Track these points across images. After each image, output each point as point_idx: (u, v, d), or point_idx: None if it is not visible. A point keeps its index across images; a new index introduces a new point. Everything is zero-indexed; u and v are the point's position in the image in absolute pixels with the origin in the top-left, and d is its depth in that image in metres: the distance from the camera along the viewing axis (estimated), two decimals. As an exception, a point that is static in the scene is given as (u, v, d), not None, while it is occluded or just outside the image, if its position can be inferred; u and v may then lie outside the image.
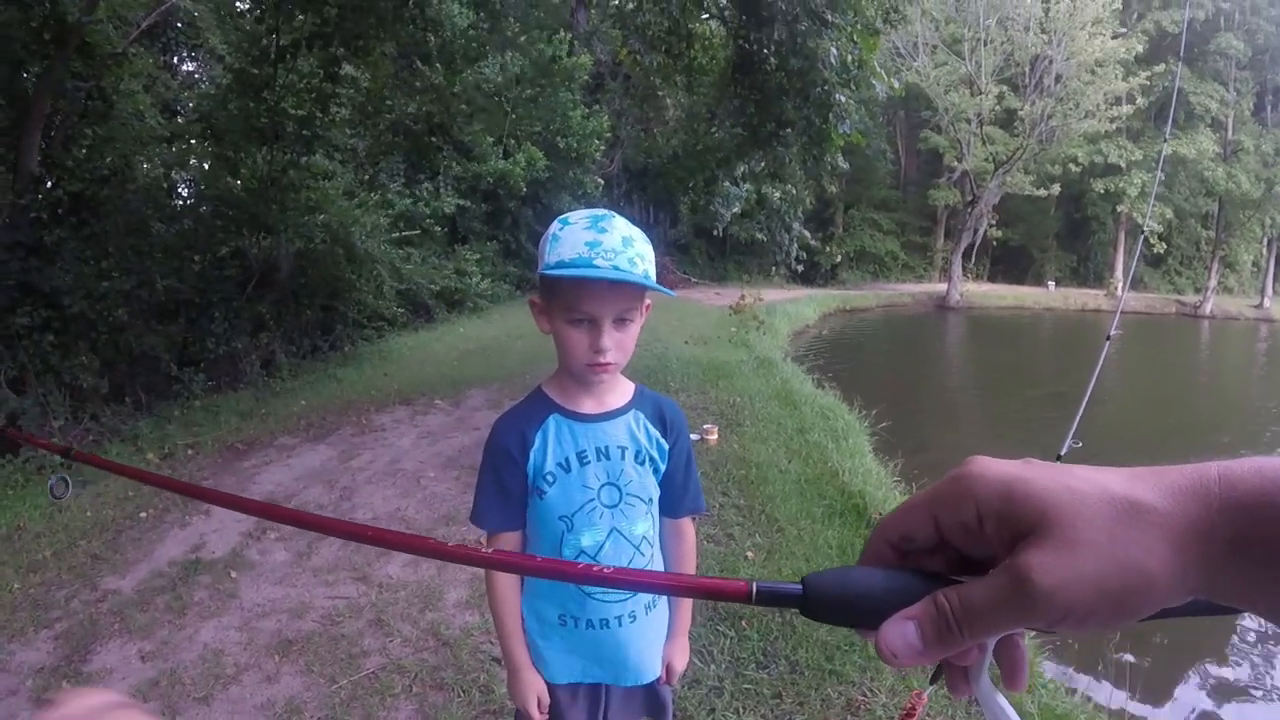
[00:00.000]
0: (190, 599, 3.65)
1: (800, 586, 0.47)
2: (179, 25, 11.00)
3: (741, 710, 2.74)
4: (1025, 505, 0.40)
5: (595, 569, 0.49)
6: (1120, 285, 31.23)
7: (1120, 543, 0.38)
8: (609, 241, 1.32)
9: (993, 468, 0.43)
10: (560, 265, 1.33)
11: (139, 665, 3.11)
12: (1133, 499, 0.39)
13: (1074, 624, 0.39)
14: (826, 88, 6.77)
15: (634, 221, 1.43)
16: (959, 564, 0.47)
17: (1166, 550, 0.37)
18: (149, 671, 3.06)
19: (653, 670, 1.63)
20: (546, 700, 1.57)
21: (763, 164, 7.50)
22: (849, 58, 6.75)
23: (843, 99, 6.88)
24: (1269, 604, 0.37)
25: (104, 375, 7.04)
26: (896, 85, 9.39)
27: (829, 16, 6.48)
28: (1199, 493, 0.38)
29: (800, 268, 28.36)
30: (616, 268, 1.31)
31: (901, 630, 0.44)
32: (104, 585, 3.82)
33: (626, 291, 1.35)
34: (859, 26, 6.94)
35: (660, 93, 10.00)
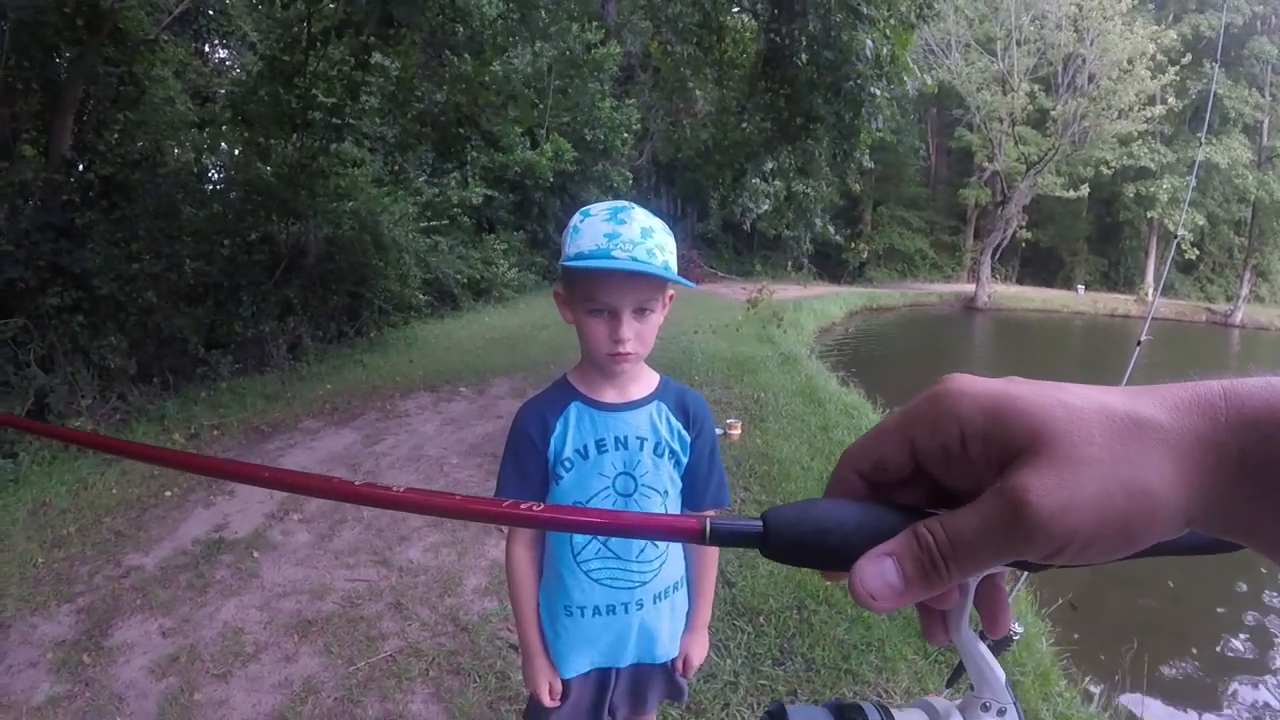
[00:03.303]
0: (212, 577, 3.69)
1: (760, 523, 0.41)
2: (211, 12, 11.05)
3: (756, 706, 2.73)
4: (1016, 423, 0.36)
5: (525, 507, 0.43)
6: (1151, 290, 30.74)
7: (1123, 460, 0.34)
8: (627, 233, 1.33)
9: (976, 384, 0.38)
10: (580, 257, 1.35)
11: (159, 641, 3.15)
12: (1134, 414, 0.35)
13: (1072, 554, 0.35)
14: (860, 81, 6.71)
15: (661, 215, 1.44)
16: (935, 498, 0.42)
17: (1172, 468, 0.34)
18: (169, 647, 3.09)
19: (664, 652, 1.63)
20: (559, 687, 1.59)
21: (790, 160, 7.42)
22: (883, 50, 6.68)
23: (876, 93, 6.81)
24: (1271, 536, 0.34)
25: (132, 356, 7.12)
26: (930, 81, 9.28)
27: (864, 9, 6.41)
28: (1204, 408, 0.34)
29: (807, 264, 28.31)
30: (634, 259, 1.32)
31: (879, 568, 0.38)
32: (127, 562, 3.87)
33: (645, 282, 1.37)
34: (892, 21, 6.87)
35: (690, 85, 9.91)
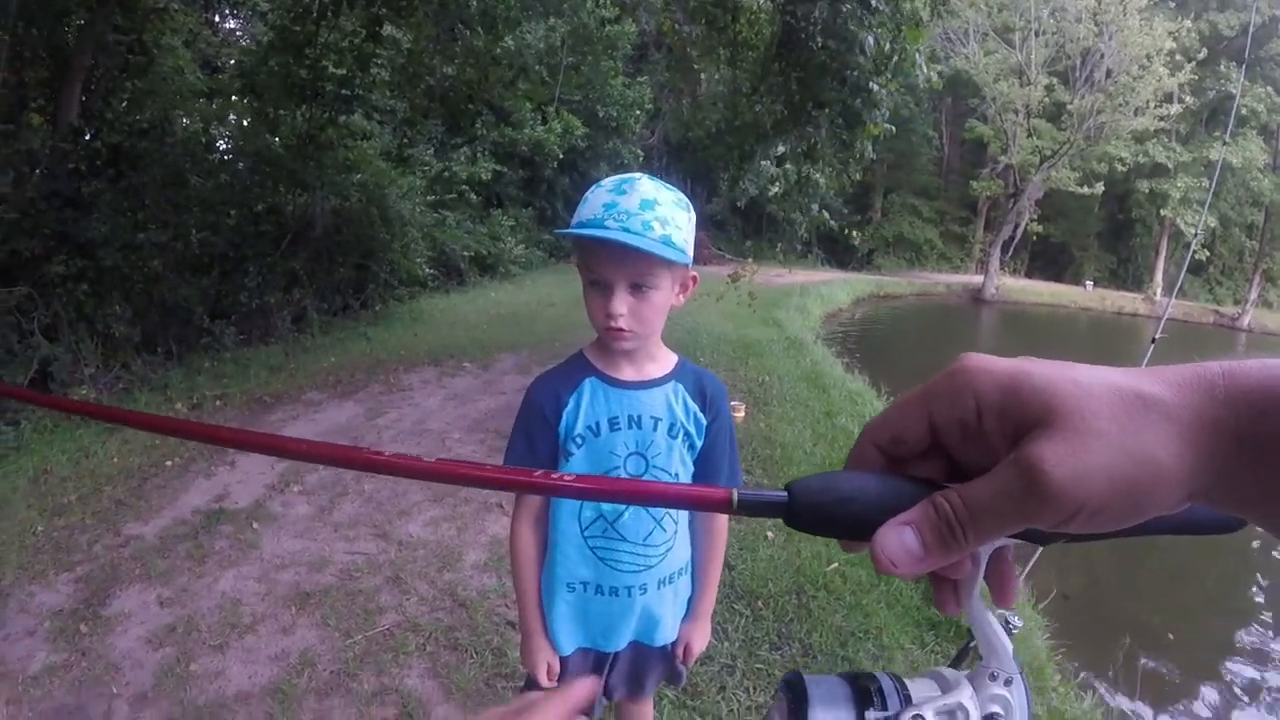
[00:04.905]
0: (211, 548, 3.69)
1: (785, 494, 0.43)
2: (222, -19, 11.02)
3: (752, 689, 2.73)
4: (1030, 397, 0.38)
5: (555, 476, 0.45)
6: (1161, 290, 30.56)
7: (1130, 433, 0.36)
8: (626, 203, 1.29)
9: (992, 362, 0.41)
10: (578, 225, 1.32)
11: (157, 611, 3.14)
12: (1140, 391, 0.37)
13: (1083, 520, 0.37)
14: (859, 74, 6.64)
15: (679, 192, 1.39)
16: (950, 473, 0.44)
17: (1175, 441, 0.36)
18: (166, 617, 3.09)
19: (664, 637, 1.61)
20: (557, 668, 1.57)
21: (797, 144, 7.34)
22: (886, 46, 6.60)
23: (875, 87, 6.73)
24: (1268, 509, 0.36)
25: (136, 325, 7.11)
26: (936, 79, 9.22)
27: (873, 2, 6.33)
28: (1204, 386, 0.36)
29: (816, 249, 28.20)
30: (627, 229, 1.27)
31: (899, 536, 0.41)
32: (126, 531, 3.87)
33: (639, 256, 1.30)
34: (903, 16, 6.77)
35: (696, 67, 9.82)
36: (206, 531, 3.85)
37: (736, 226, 27.25)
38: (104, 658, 2.83)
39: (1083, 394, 0.37)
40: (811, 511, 0.42)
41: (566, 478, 0.45)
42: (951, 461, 0.44)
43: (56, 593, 3.29)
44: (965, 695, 0.47)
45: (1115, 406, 0.37)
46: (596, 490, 0.51)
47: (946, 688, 0.48)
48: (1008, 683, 0.48)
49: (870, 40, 6.47)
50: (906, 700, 0.47)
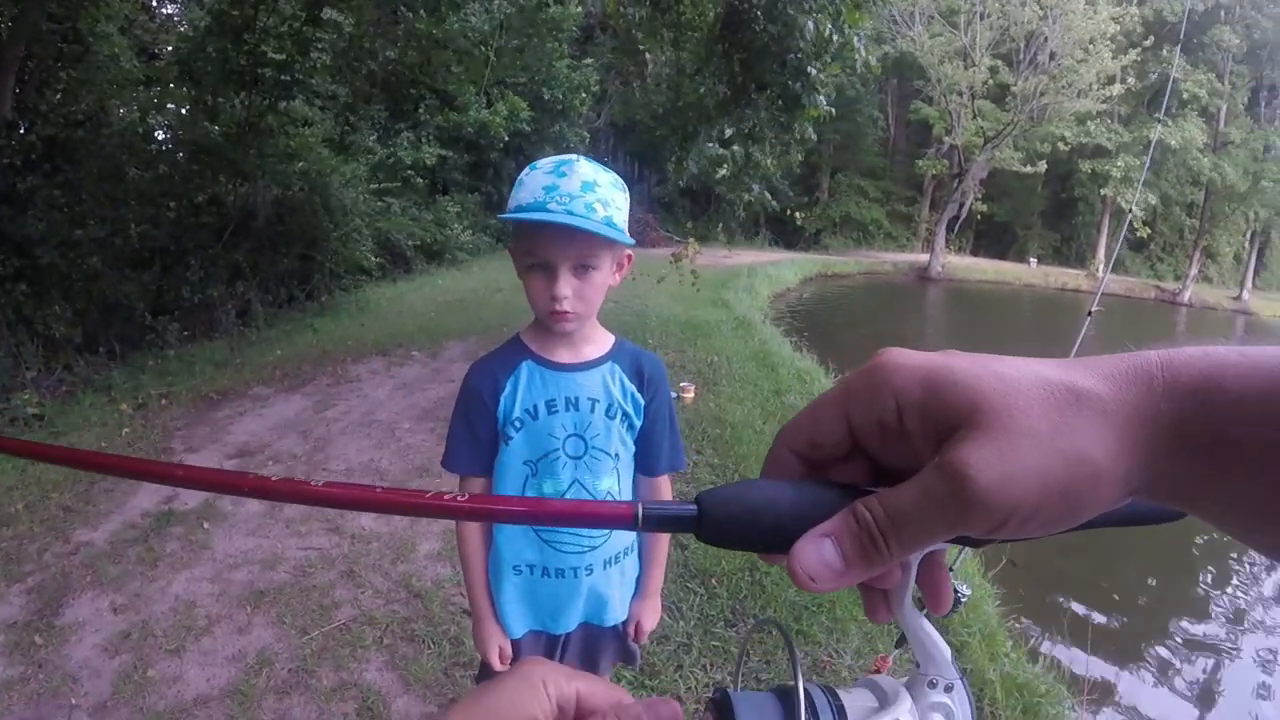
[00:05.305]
0: (163, 550, 3.64)
1: (695, 507, 0.40)
2: (157, -36, 10.70)
3: (709, 667, 2.78)
4: (952, 395, 0.35)
5: (449, 497, 0.41)
6: (1102, 265, 31.30)
7: (1062, 431, 0.33)
8: (567, 185, 1.30)
9: (912, 357, 0.38)
10: (518, 209, 1.32)
11: (110, 618, 3.10)
12: (1071, 384, 0.34)
13: (1015, 526, 0.34)
14: (799, 57, 6.71)
15: (614, 174, 1.40)
16: (873, 476, 0.41)
17: (1111, 438, 0.33)
18: (120, 624, 3.05)
19: (613, 616, 1.64)
20: (509, 651, 1.59)
21: (740, 125, 7.39)
22: (825, 31, 6.66)
23: (813, 72, 6.80)
24: (1211, 501, 0.34)
25: (77, 325, 6.94)
26: (875, 63, 9.34)
27: None
28: (1141, 378, 0.34)
29: (764, 230, 28.47)
30: (570, 212, 1.29)
31: (817, 549, 0.38)
32: (76, 538, 3.79)
33: (583, 238, 1.32)
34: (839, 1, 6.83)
35: (642, 48, 9.79)
36: (157, 534, 3.79)
37: (684, 208, 27.29)
38: (60, 668, 2.79)
39: (1010, 390, 0.35)
40: (722, 525, 0.40)
41: (461, 499, 0.42)
42: (875, 464, 0.41)
43: (9, 605, 3.22)
44: (904, 709, 0.45)
45: (1045, 403, 0.34)
46: (491, 511, 0.50)
47: (884, 699, 0.46)
48: (948, 689, 0.46)
49: (810, 25, 6.53)
50: (841, 713, 0.44)
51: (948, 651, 0.46)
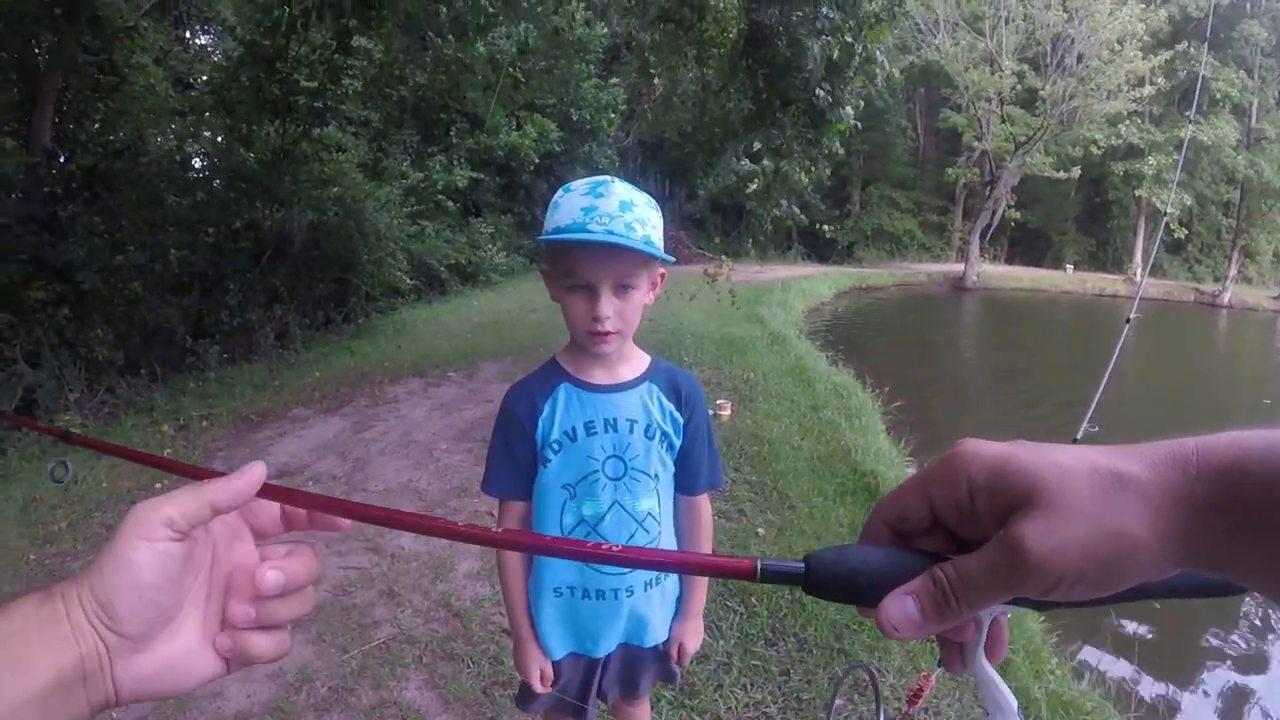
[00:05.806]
0: (203, 568, 3.67)
1: (803, 564, 0.48)
2: (191, -2, 10.96)
3: (749, 686, 2.74)
4: (1015, 479, 0.42)
5: (604, 547, 0.50)
6: (1139, 270, 30.79)
7: (1106, 510, 0.40)
8: (605, 206, 1.30)
9: (984, 447, 0.45)
10: (557, 231, 1.32)
11: (152, 633, 3.12)
12: (1116, 470, 0.40)
13: (1065, 589, 0.41)
14: (807, 78, 6.73)
15: (647, 194, 1.41)
16: (952, 546, 0.48)
17: (1149, 515, 0.39)
18: (162, 639, 3.07)
19: (654, 637, 1.62)
20: (550, 673, 1.58)
21: (766, 141, 7.40)
22: (834, 54, 6.67)
23: (820, 93, 6.81)
24: (1249, 571, 0.39)
25: (119, 348, 7.09)
26: (897, 75, 9.33)
27: (824, 10, 6.40)
28: (1178, 463, 0.40)
29: (784, 243, 28.33)
30: (611, 232, 1.29)
31: (901, 604, 0.45)
32: (118, 555, 3.84)
33: (624, 257, 1.33)
34: (856, 20, 6.81)
35: (652, 72, 9.88)
36: (198, 553, 3.83)
37: (715, 224, 27.32)
38: (101, 685, 2.82)
39: (1063, 475, 0.41)
40: (825, 581, 0.47)
41: (614, 549, 0.50)
42: (953, 535, 0.48)
43: (50, 622, 3.27)
44: None
45: (1093, 486, 0.40)
46: (628, 559, 0.53)
47: None
48: None
49: (816, 48, 6.54)
50: None
51: (1014, 702, 0.51)
